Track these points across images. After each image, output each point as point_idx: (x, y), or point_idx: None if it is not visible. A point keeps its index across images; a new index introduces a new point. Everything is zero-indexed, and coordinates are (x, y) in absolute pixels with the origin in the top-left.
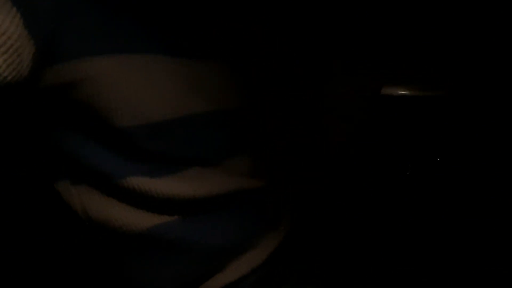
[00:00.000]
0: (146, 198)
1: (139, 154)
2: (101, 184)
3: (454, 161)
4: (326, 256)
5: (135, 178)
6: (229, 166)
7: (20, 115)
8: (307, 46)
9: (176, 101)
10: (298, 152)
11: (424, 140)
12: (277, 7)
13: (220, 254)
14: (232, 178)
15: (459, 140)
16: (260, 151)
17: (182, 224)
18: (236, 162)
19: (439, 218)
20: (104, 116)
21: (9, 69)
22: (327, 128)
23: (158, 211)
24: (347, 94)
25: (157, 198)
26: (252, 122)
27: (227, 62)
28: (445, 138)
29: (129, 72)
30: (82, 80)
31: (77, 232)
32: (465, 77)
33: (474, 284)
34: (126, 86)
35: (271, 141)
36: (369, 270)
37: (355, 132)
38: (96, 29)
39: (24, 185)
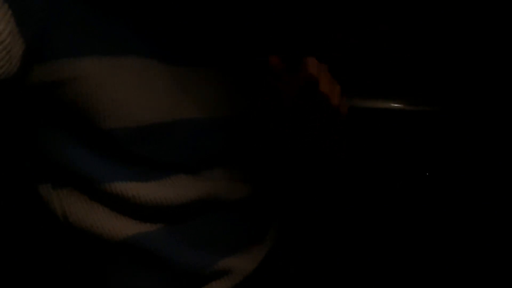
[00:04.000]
0: (130, 205)
1: (125, 158)
2: (84, 188)
3: (444, 175)
4: (314, 266)
5: (121, 183)
6: (215, 174)
7: (5, 114)
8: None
9: (166, 105)
10: (286, 163)
11: (415, 154)
12: (271, 17)
13: (202, 268)
14: (217, 187)
15: (449, 154)
16: (247, 161)
17: (164, 234)
18: (222, 170)
19: (430, 231)
20: (90, 117)
21: None
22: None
23: (141, 219)
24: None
25: (141, 205)
26: (241, 131)
27: (220, 70)
28: (436, 153)
29: (119, 73)
30: (70, 80)
31: (57, 237)
32: (459, 92)
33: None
34: (115, 87)
35: (259, 151)
36: (359, 280)
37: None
38: (87, 29)
39: (4, 186)
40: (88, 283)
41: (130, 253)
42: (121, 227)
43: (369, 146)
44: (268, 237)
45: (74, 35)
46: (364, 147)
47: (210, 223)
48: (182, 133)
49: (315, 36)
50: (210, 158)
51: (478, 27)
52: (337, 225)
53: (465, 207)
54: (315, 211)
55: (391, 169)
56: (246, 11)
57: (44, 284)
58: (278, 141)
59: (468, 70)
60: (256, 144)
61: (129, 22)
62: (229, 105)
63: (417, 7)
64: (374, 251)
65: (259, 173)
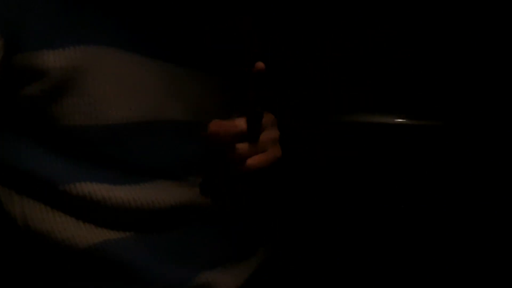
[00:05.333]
0: (98, 208)
1: (95, 158)
2: (45, 189)
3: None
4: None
5: (88, 184)
6: (198, 182)
7: None
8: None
9: (146, 104)
10: (277, 174)
11: (419, 170)
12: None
13: (179, 282)
14: (199, 197)
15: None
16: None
17: (135, 243)
18: (202, 182)
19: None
20: (57, 114)
21: None
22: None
23: (110, 225)
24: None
25: (112, 209)
26: None
27: (209, 73)
28: (440, 168)
29: (93, 65)
30: (41, 73)
31: (15, 243)
32: (462, 107)
33: None
34: (88, 80)
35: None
36: None
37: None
38: (62, 19)
39: None
40: None
41: (95, 263)
42: (86, 233)
43: (370, 161)
44: (257, 253)
45: (49, 26)
46: (365, 162)
47: (190, 233)
48: (162, 135)
49: (315, 36)
50: (193, 164)
51: (481, 41)
52: (332, 246)
53: (466, 220)
54: (308, 231)
55: (392, 186)
56: (241, 11)
57: None
58: None
59: (471, 85)
60: None
61: (109, 12)
62: (218, 111)
63: (417, 7)
64: (369, 270)
65: (247, 183)
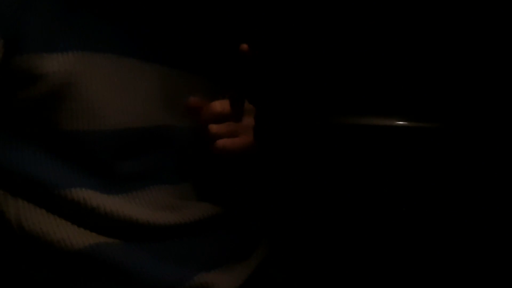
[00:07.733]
0: (93, 215)
1: (92, 163)
2: (41, 193)
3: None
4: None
5: (83, 190)
6: (189, 189)
7: None
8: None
9: (143, 109)
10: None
11: (420, 173)
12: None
13: (176, 283)
14: (192, 204)
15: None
16: (227, 176)
17: (131, 246)
18: (198, 185)
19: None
20: (55, 118)
21: None
22: None
23: (105, 230)
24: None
25: (106, 217)
26: None
27: (208, 78)
28: (441, 171)
29: (94, 70)
30: (41, 75)
31: (10, 245)
32: (463, 109)
33: None
34: (88, 85)
35: (240, 166)
36: None
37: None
38: (62, 24)
39: None
40: None
41: (91, 264)
42: (80, 236)
43: (370, 164)
44: (257, 253)
45: (48, 29)
46: (366, 165)
47: (189, 234)
48: (158, 141)
49: (315, 36)
50: (188, 170)
51: (481, 42)
52: (332, 247)
53: (467, 223)
54: (308, 231)
55: (393, 189)
56: (239, 14)
57: None
58: None
59: (472, 87)
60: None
61: (106, 18)
62: None
63: (417, 8)
64: (369, 271)
65: (242, 186)
